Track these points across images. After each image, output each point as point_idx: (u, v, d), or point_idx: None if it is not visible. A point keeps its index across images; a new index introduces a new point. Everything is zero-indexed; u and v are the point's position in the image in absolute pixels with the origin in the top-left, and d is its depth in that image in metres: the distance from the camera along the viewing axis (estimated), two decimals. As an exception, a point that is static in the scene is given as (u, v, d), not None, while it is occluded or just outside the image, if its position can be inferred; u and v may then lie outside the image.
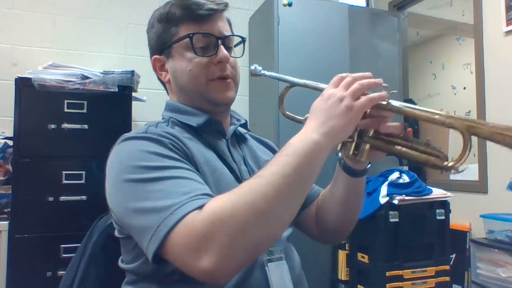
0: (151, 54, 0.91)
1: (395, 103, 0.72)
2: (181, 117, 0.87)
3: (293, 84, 0.86)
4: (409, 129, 0.74)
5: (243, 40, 0.94)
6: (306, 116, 0.82)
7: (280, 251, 0.81)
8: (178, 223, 0.59)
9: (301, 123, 0.83)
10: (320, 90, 0.78)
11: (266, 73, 0.86)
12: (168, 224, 0.60)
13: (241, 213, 0.58)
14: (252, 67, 0.89)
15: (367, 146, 0.77)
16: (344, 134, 0.71)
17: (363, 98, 0.70)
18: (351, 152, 0.78)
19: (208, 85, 0.85)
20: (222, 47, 0.85)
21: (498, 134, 0.60)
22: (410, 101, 2.99)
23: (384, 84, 0.72)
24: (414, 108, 0.71)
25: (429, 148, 0.71)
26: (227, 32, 0.88)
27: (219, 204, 0.60)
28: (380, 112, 0.74)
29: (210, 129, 0.87)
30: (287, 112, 0.90)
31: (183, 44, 0.84)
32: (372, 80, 0.72)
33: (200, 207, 0.60)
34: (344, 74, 0.74)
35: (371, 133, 0.76)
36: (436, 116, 0.67)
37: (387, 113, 0.74)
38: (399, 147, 0.74)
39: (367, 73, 0.73)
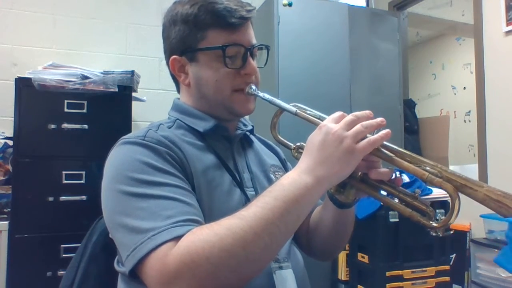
0: (169, 53, 0.87)
1: (387, 149, 0.68)
2: (189, 120, 0.86)
3: (283, 110, 0.82)
4: (398, 177, 0.71)
5: (267, 49, 0.91)
6: (297, 144, 0.81)
7: (286, 259, 0.80)
8: (153, 251, 0.59)
9: (292, 154, 0.81)
10: (314, 123, 0.73)
11: (259, 94, 0.84)
12: (143, 250, 0.60)
13: (215, 258, 0.56)
14: (247, 87, 0.85)
15: (353, 189, 0.74)
16: (340, 179, 0.66)
17: (364, 142, 0.65)
18: (334, 190, 0.76)
19: (231, 97, 0.83)
20: (250, 59, 0.83)
21: (493, 201, 0.58)
22: (410, 101, 2.99)
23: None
24: (405, 154, 0.67)
25: (416, 201, 0.68)
26: (254, 41, 0.86)
27: (196, 242, 0.58)
28: (370, 156, 0.68)
29: (216, 134, 0.86)
30: (280, 137, 0.88)
31: (211, 52, 0.81)
32: (374, 121, 0.66)
33: (178, 238, 0.59)
34: (346, 114, 0.69)
35: (359, 175, 0.72)
36: (426, 174, 0.63)
37: (378, 158, 0.70)
38: (385, 195, 0.71)
39: (368, 112, 0.68)
